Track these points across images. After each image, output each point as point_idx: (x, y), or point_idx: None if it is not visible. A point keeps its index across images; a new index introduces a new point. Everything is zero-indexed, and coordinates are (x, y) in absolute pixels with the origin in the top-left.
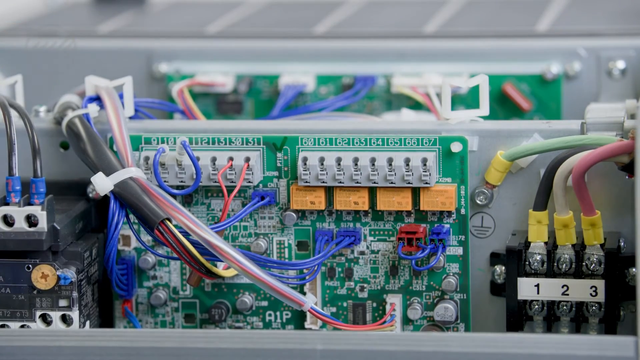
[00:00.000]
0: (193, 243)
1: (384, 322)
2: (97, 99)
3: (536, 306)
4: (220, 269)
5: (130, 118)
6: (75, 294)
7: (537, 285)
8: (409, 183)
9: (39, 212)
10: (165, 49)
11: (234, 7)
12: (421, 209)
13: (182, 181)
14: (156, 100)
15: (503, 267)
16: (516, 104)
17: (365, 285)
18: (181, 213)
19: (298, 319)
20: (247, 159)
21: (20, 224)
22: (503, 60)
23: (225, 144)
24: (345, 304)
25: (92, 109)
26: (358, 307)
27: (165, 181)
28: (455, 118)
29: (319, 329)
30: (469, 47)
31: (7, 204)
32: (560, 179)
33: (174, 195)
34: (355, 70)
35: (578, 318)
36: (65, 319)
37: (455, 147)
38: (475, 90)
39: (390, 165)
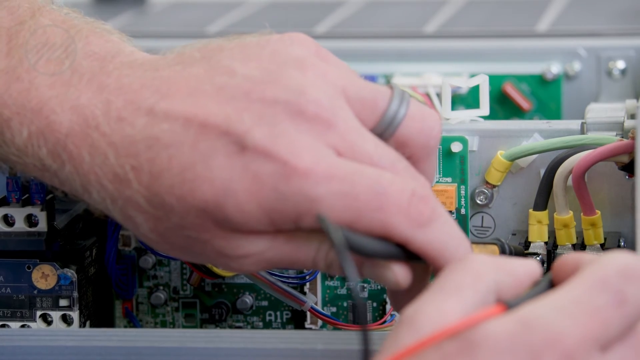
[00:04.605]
0: None
1: (384, 322)
2: None
3: None
4: (220, 268)
5: None
6: (75, 294)
7: None
8: None
9: (39, 212)
10: (166, 49)
11: (234, 7)
12: None
13: None
14: None
15: None
16: (516, 104)
17: (365, 285)
18: None
19: (298, 319)
20: None
21: (21, 224)
22: (503, 60)
23: None
24: (345, 304)
25: None
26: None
27: None
28: (456, 118)
29: (319, 328)
30: (469, 47)
31: (7, 204)
32: (560, 179)
33: None
34: (355, 70)
35: None
36: (65, 319)
37: (456, 147)
38: (475, 90)
39: None
